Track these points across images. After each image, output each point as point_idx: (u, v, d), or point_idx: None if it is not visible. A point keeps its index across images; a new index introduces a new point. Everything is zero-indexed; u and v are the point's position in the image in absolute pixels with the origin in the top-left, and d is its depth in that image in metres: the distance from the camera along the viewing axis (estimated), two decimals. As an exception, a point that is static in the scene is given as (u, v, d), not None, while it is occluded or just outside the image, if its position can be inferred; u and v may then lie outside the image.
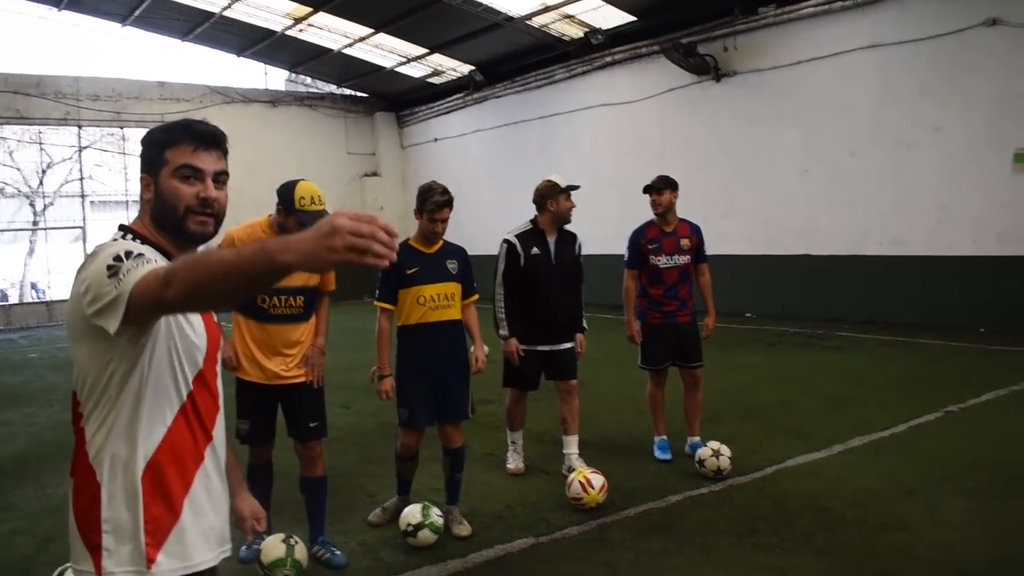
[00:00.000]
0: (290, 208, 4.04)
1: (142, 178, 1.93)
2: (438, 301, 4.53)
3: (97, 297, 1.69)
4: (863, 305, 12.60)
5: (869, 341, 10.86)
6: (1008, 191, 10.93)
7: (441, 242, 4.67)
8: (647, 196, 5.76)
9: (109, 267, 1.69)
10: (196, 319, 1.93)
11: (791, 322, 12.83)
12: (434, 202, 4.48)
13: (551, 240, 5.50)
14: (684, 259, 5.75)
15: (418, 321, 4.52)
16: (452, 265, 4.63)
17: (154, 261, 1.74)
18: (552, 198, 5.46)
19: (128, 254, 1.71)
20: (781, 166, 13.75)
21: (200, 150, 1.89)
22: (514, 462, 5.71)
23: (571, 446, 5.64)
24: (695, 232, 5.85)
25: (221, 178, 1.93)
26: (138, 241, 1.87)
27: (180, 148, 1.88)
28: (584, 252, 5.70)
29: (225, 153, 1.96)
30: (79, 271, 1.80)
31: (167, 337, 1.86)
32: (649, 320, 5.79)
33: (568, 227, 5.64)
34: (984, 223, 11.21)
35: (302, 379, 4.25)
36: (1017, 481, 5.03)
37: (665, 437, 5.92)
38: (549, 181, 5.49)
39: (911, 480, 5.12)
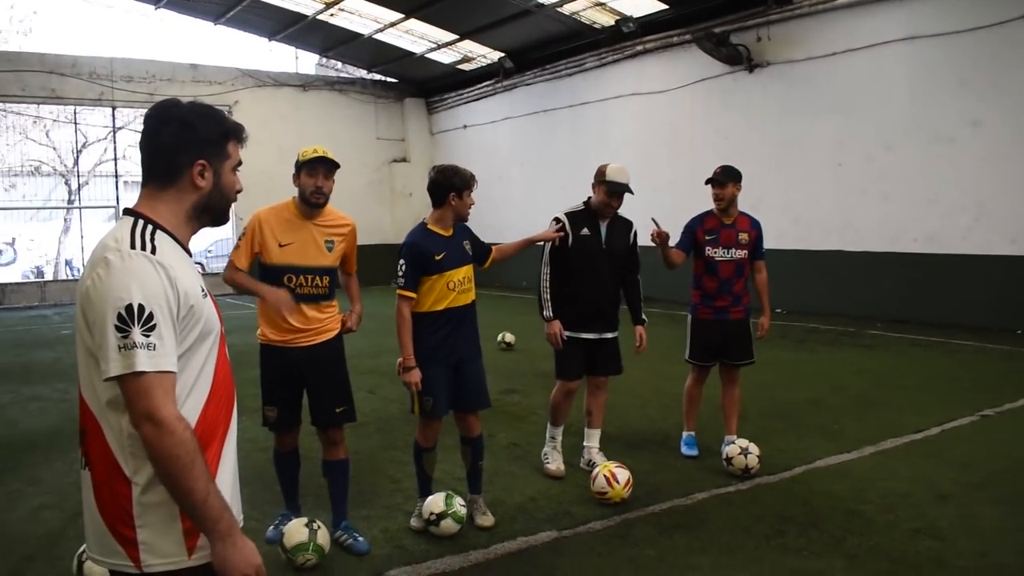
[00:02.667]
0: (297, 169, 4.16)
1: (200, 163, 1.91)
2: (464, 284, 4.48)
3: (100, 346, 1.74)
4: (896, 303, 12.40)
5: (902, 340, 10.70)
6: (1048, 190, 10.69)
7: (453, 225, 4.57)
8: (708, 187, 5.60)
9: (119, 328, 1.71)
10: (209, 304, 1.91)
11: (822, 319, 12.67)
12: (475, 178, 4.51)
13: (603, 223, 5.29)
14: (741, 253, 5.58)
15: (447, 306, 4.41)
16: (467, 246, 4.57)
17: (162, 341, 1.73)
18: (595, 184, 5.26)
19: (140, 315, 1.71)
20: (814, 159, 13.56)
21: (241, 146, 2.00)
22: (555, 462, 5.44)
23: (593, 439, 5.55)
24: (755, 227, 5.68)
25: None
26: (150, 228, 1.84)
27: (236, 144, 1.98)
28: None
29: None
30: (93, 271, 1.78)
31: (200, 326, 1.85)
32: (699, 315, 5.67)
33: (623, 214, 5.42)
34: (1023, 222, 10.97)
35: (328, 337, 4.27)
36: (1053, 488, 4.92)
37: (693, 433, 5.83)
38: (602, 165, 5.27)
39: (944, 485, 5.01)
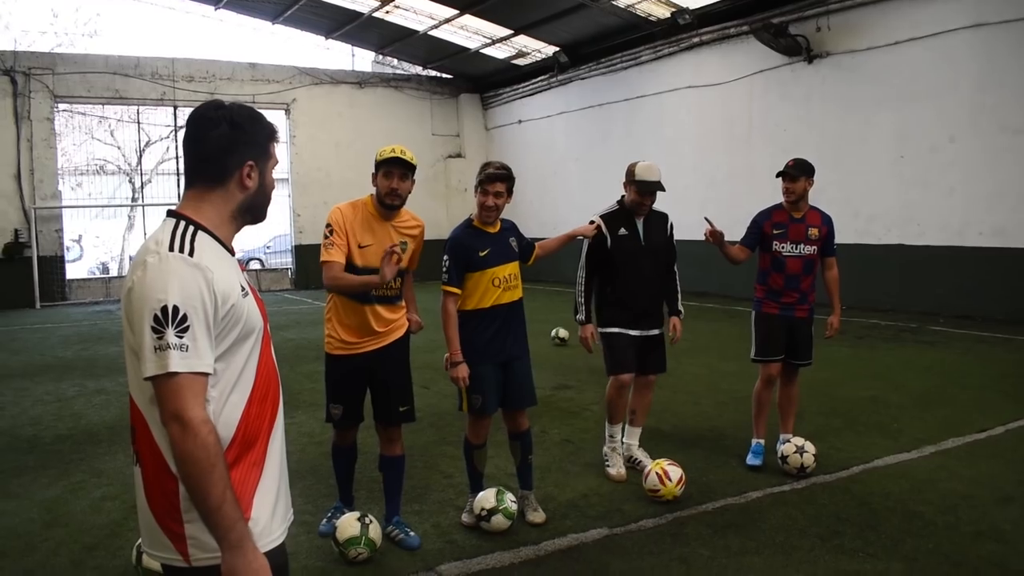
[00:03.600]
0: (376, 169, 4.11)
1: (249, 164, 1.95)
2: (510, 281, 4.46)
3: (139, 346, 1.77)
4: (960, 299, 12.07)
5: (966, 337, 10.42)
6: (1123, 181, 10.29)
7: (499, 222, 4.53)
8: (781, 182, 5.38)
9: (154, 328, 1.74)
10: (250, 302, 1.93)
11: (882, 315, 12.40)
12: (487, 173, 4.37)
13: (639, 221, 5.25)
14: (810, 249, 5.37)
15: (493, 303, 4.40)
16: (514, 243, 4.54)
17: (195, 343, 1.75)
18: (626, 183, 5.25)
19: (175, 316, 1.74)
20: (875, 152, 13.26)
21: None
22: (616, 467, 5.25)
23: (633, 437, 5.50)
24: (826, 223, 5.46)
25: None
26: (191, 228, 1.87)
27: (275, 145, 2.04)
28: (667, 237, 5.46)
29: None
30: (133, 272, 1.82)
31: (240, 326, 1.87)
32: (763, 309, 5.48)
33: (666, 210, 5.40)
34: (1095, 215, 10.59)
35: (394, 338, 4.27)
36: (1125, 491, 4.74)
37: (763, 441, 5.51)
38: (632, 165, 5.24)
39: (1008, 487, 4.86)
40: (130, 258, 26.61)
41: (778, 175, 5.41)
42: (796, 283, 5.39)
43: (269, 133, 2.01)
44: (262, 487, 1.92)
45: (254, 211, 2.01)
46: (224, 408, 1.85)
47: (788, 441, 5.27)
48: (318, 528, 4.46)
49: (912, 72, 12.61)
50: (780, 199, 5.49)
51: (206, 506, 1.73)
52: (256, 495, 1.90)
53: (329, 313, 4.27)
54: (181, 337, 1.73)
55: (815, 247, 5.40)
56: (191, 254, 1.81)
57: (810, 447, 5.16)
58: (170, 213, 1.93)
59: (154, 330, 1.73)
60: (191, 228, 1.87)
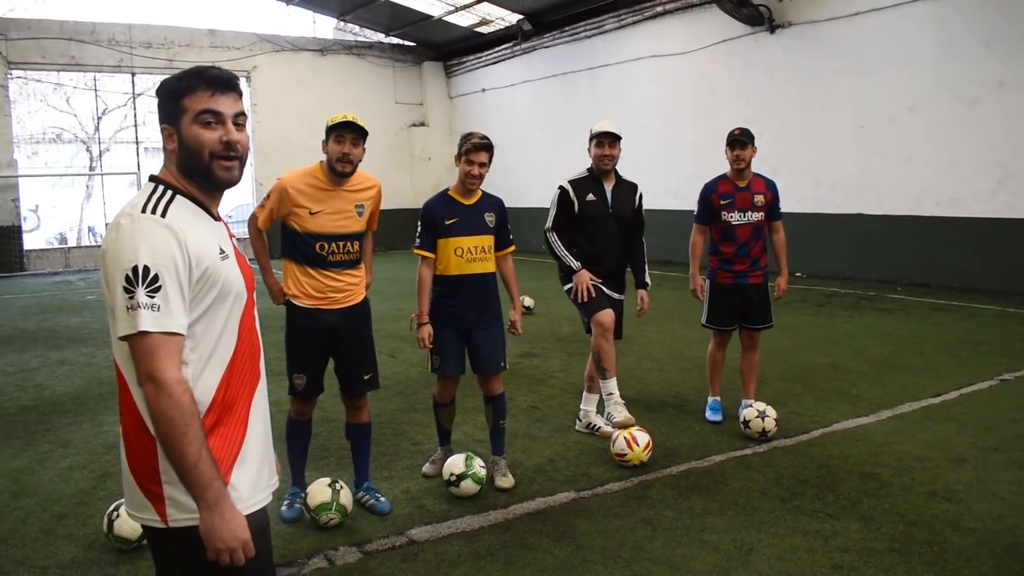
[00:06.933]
0: (326, 134, 4.09)
1: (163, 129, 1.93)
2: (475, 253, 4.52)
3: (112, 307, 1.79)
4: (917, 267, 12.32)
5: (922, 304, 10.66)
6: (1074, 152, 10.53)
7: (480, 193, 4.62)
8: (729, 151, 5.48)
9: (126, 288, 1.76)
10: (229, 265, 1.94)
11: (841, 283, 12.62)
12: (472, 143, 4.45)
13: (608, 187, 5.36)
14: (758, 215, 5.53)
15: (455, 272, 4.51)
16: (490, 218, 4.60)
17: (167, 303, 1.77)
18: (588, 147, 5.38)
19: (145, 276, 1.75)
20: (835, 121, 13.41)
21: (217, 94, 1.91)
22: (621, 414, 5.01)
23: (591, 403, 5.61)
24: (770, 188, 5.61)
25: (240, 120, 1.95)
26: (169, 192, 1.89)
27: (197, 95, 1.90)
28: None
29: (240, 95, 1.97)
30: (108, 235, 1.84)
31: (217, 288, 1.88)
32: (718, 280, 5.63)
33: (629, 178, 5.48)
34: (1047, 184, 10.84)
35: (353, 303, 4.27)
36: (1071, 451, 4.92)
37: (719, 398, 5.82)
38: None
39: (961, 449, 5.03)
40: (89, 228, 26.21)
41: (729, 144, 5.50)
42: (747, 250, 5.55)
43: (180, 90, 1.91)
44: (245, 452, 1.95)
45: (195, 171, 1.93)
46: (204, 372, 1.87)
47: (750, 406, 5.40)
48: (280, 513, 4.23)
49: (872, 43, 12.74)
50: None
51: (182, 465, 1.76)
52: (238, 460, 1.92)
53: (285, 276, 4.26)
54: (152, 297, 1.75)
55: (762, 213, 5.56)
56: (163, 215, 1.83)
57: (771, 412, 5.28)
58: (151, 177, 1.95)
59: (126, 290, 1.75)
60: (169, 192, 1.89)
